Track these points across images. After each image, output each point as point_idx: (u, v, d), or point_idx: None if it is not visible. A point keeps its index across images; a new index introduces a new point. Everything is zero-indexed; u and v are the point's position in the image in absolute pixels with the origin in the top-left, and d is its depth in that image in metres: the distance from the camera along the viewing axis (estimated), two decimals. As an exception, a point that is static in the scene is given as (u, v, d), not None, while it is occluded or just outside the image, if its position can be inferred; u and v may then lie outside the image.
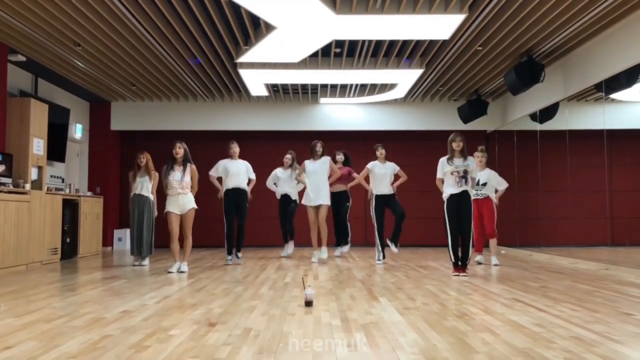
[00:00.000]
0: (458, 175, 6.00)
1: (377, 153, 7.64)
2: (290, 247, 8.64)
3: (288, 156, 8.67)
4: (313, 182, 7.51)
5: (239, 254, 7.55)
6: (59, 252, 7.86)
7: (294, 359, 2.64)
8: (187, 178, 6.46)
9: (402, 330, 3.19)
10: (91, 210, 8.98)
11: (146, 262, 7.28)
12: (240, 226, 7.49)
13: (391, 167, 7.63)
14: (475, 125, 10.44)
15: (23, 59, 7.51)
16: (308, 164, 7.61)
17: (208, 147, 10.94)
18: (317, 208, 7.50)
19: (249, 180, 7.58)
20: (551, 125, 8.70)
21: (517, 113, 9.85)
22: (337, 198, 8.34)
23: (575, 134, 8.33)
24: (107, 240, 10.39)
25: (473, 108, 10.00)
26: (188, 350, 2.73)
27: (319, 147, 7.58)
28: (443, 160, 6.14)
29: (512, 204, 10.12)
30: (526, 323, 3.39)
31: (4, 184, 6.65)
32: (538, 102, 8.83)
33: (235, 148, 7.57)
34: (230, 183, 7.43)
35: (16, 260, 6.69)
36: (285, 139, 11.17)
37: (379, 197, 7.52)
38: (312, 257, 7.72)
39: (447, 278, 5.84)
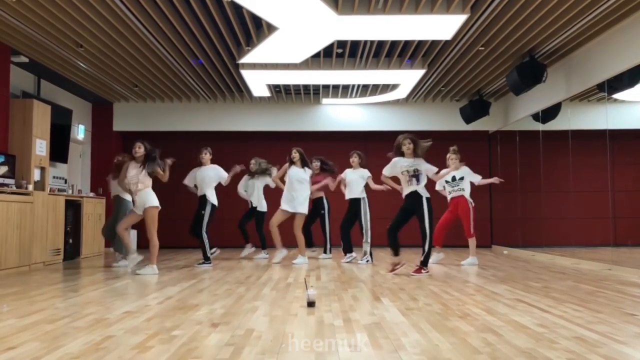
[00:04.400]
0: (408, 175, 6.16)
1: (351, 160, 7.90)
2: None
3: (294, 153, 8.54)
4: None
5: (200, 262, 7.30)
6: (62, 253, 7.87)
7: (296, 359, 2.64)
8: (143, 173, 6.35)
9: (404, 331, 3.19)
10: (93, 211, 9.00)
11: (123, 262, 7.18)
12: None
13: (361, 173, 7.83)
14: (477, 125, 10.44)
15: (26, 60, 7.53)
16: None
17: (210, 148, 10.97)
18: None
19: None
20: (553, 125, 8.69)
21: (519, 113, 9.84)
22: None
23: (578, 134, 8.31)
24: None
25: (475, 108, 9.99)
26: (191, 351, 2.73)
27: (293, 154, 7.71)
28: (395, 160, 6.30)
29: (515, 204, 10.12)
30: (529, 323, 3.39)
31: (6, 185, 6.67)
32: (540, 103, 8.83)
33: (200, 154, 7.53)
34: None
35: (19, 261, 6.70)
36: (287, 140, 11.16)
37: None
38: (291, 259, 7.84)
39: (450, 278, 5.84)
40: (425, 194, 6.16)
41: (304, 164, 7.69)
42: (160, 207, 6.45)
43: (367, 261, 7.56)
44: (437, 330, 3.22)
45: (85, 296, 4.70)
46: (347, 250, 7.87)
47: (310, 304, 4.01)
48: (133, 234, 10.59)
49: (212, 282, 5.51)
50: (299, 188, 7.53)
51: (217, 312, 3.83)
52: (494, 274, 6.34)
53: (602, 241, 8.05)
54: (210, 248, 7.40)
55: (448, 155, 7.51)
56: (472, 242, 7.51)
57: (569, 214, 8.88)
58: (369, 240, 7.67)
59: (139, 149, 6.40)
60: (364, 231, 7.67)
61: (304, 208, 7.58)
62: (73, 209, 8.33)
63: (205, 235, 7.23)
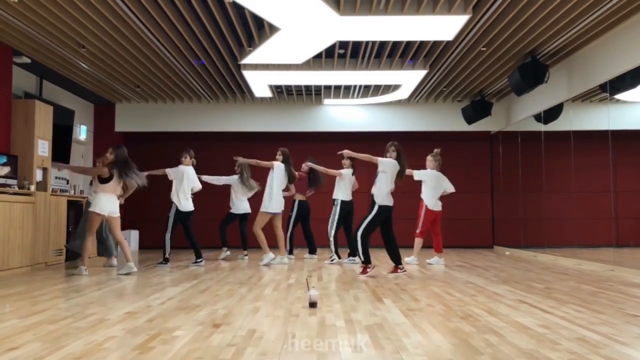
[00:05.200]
0: (376, 177, 6.30)
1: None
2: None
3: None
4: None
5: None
6: (64, 254, 7.88)
7: (298, 360, 2.64)
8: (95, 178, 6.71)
9: (406, 332, 3.19)
10: (95, 211, 8.99)
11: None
12: None
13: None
14: (479, 126, 10.43)
15: (28, 60, 7.55)
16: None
17: (212, 148, 10.98)
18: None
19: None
20: (555, 125, 8.68)
21: (521, 114, 9.83)
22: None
23: (580, 134, 8.30)
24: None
25: (477, 109, 9.99)
26: (192, 352, 2.74)
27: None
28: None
29: (517, 204, 10.11)
30: (531, 324, 3.39)
31: (9, 186, 6.68)
32: (542, 103, 8.82)
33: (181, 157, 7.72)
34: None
35: (21, 262, 6.71)
36: (288, 140, 11.16)
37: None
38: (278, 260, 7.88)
39: (452, 279, 5.84)
40: (380, 200, 6.10)
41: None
42: (100, 214, 6.43)
43: (332, 260, 7.79)
44: (439, 331, 3.22)
45: (88, 296, 4.71)
46: (351, 254, 7.89)
47: (312, 305, 4.01)
48: (134, 234, 10.63)
49: (214, 283, 5.51)
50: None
51: (218, 312, 3.83)
52: (495, 274, 6.33)
53: (604, 242, 8.06)
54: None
55: (428, 157, 7.80)
56: (418, 242, 7.75)
57: (570, 214, 8.88)
58: (331, 238, 7.74)
59: (110, 155, 6.58)
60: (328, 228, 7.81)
61: None
62: (75, 209, 8.34)
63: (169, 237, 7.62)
